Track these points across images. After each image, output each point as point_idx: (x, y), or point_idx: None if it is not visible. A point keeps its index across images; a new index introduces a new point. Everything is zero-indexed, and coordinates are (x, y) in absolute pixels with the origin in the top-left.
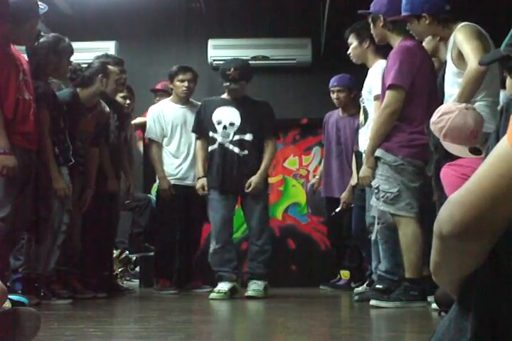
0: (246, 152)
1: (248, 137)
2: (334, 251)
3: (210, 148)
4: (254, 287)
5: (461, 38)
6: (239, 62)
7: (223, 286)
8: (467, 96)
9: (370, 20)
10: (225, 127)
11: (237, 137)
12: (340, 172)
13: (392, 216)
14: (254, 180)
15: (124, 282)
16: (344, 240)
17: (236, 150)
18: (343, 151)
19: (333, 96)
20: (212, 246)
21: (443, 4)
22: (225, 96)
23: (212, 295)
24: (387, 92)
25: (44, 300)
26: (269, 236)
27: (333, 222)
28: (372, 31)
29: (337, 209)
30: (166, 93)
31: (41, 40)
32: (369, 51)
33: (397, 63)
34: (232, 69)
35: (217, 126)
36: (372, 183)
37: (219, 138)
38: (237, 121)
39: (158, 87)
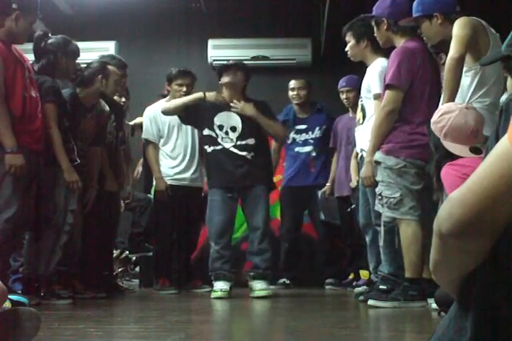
0: (252, 153)
1: (251, 141)
2: (349, 251)
3: (210, 149)
4: (260, 286)
5: (454, 31)
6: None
7: (223, 285)
8: (449, 84)
9: (373, 23)
10: (226, 132)
11: (240, 142)
12: (349, 171)
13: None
14: (247, 105)
15: (124, 282)
16: (358, 240)
17: (243, 153)
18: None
19: (343, 96)
20: (212, 248)
21: (454, 4)
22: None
23: (215, 294)
24: (386, 92)
25: (44, 300)
26: (269, 238)
27: (346, 222)
28: (375, 34)
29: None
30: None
31: (49, 41)
32: (367, 50)
33: (395, 64)
34: (230, 60)
35: (218, 132)
36: (376, 190)
37: (222, 143)
38: (239, 126)
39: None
